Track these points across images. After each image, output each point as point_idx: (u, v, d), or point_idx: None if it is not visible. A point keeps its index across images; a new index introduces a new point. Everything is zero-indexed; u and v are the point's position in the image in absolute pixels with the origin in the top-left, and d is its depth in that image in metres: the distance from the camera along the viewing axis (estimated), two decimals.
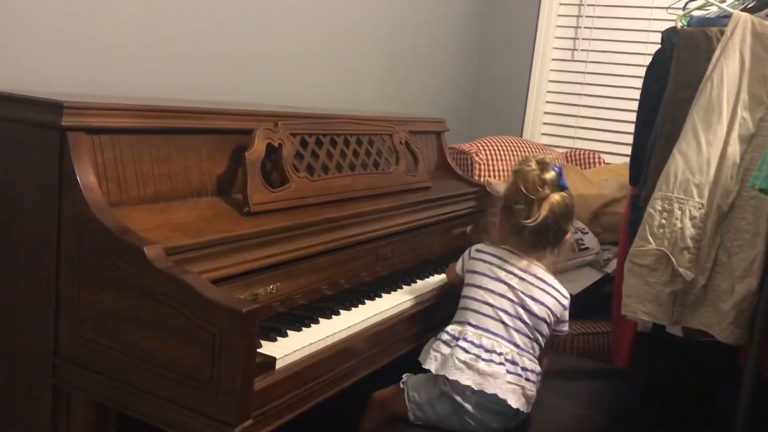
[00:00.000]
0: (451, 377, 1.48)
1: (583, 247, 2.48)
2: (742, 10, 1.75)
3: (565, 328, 1.65)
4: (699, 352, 1.92)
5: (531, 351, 1.55)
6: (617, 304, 1.88)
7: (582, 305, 2.03)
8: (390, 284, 1.74)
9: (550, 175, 1.57)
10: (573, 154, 3.20)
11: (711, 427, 2.04)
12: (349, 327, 1.45)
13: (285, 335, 1.35)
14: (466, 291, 1.61)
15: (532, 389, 1.53)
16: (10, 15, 1.56)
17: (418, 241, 2.00)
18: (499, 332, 1.53)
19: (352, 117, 1.97)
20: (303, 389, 1.29)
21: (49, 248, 1.29)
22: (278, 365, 1.25)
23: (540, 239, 1.59)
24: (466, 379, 1.47)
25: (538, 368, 1.55)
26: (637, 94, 2.01)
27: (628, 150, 2.05)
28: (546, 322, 1.56)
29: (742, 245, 1.61)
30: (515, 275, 1.57)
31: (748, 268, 1.59)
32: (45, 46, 1.64)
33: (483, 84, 3.61)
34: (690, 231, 1.66)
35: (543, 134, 3.51)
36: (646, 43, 3.18)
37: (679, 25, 1.82)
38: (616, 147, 3.28)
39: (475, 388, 1.47)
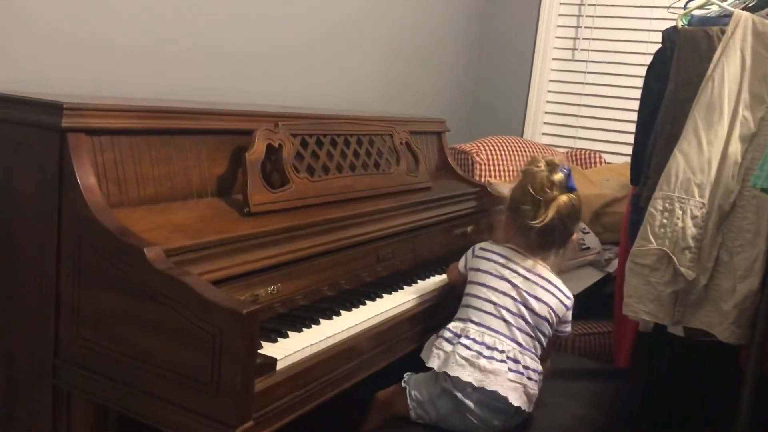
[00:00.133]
0: (452, 374, 1.48)
1: (584, 246, 2.48)
2: (742, 9, 1.75)
3: (568, 328, 1.64)
4: (700, 352, 1.92)
5: (533, 350, 1.55)
6: (618, 304, 1.88)
7: (583, 305, 2.03)
8: (391, 285, 1.74)
9: (558, 176, 1.57)
10: (574, 153, 3.20)
11: (712, 427, 2.04)
12: (350, 328, 1.45)
13: (286, 336, 1.35)
14: (469, 288, 1.61)
15: (533, 388, 1.53)
16: (10, 15, 1.56)
17: (419, 242, 2.00)
18: (501, 330, 1.52)
19: (352, 117, 1.97)
20: (304, 390, 1.29)
21: (49, 249, 1.28)
22: (279, 366, 1.24)
23: (546, 240, 1.59)
24: (467, 375, 1.47)
25: (539, 367, 1.55)
26: (637, 94, 2.01)
27: (629, 150, 2.05)
28: (548, 321, 1.56)
29: (744, 245, 1.61)
30: (519, 274, 1.57)
31: (750, 267, 1.59)
32: (45, 46, 1.63)
33: (483, 84, 3.60)
34: (691, 230, 1.65)
35: (544, 134, 3.51)
36: (646, 42, 3.17)
37: (680, 24, 1.82)
38: (617, 147, 3.27)
39: (476, 385, 1.47)
